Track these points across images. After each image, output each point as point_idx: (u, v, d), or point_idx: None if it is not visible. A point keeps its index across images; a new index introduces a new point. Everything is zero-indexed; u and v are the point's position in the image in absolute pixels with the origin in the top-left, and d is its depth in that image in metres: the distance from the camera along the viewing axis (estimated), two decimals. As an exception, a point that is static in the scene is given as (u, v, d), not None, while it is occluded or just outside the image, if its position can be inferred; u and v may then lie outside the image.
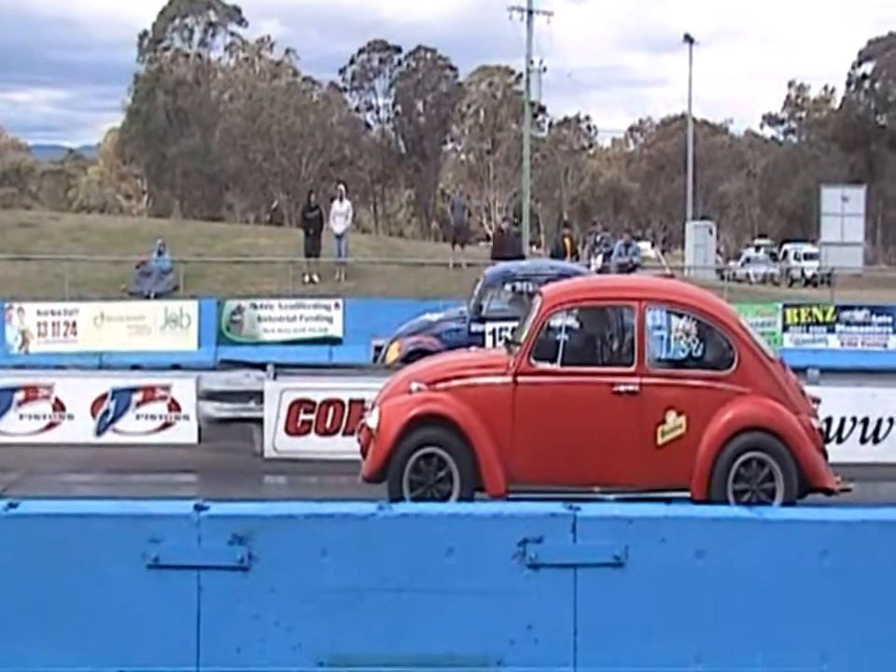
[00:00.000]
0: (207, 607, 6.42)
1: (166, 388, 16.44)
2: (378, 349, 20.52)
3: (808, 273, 53.59)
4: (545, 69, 60.41)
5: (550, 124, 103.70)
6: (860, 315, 27.61)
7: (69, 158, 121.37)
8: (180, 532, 6.43)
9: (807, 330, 27.42)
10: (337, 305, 27.16)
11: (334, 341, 26.32)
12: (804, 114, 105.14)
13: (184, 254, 34.62)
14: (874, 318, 27.51)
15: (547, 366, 12.25)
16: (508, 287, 20.85)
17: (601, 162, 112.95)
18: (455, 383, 12.49)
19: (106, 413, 16.35)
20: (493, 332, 19.77)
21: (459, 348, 19.28)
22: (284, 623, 6.44)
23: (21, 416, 16.33)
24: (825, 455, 12.52)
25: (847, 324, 27.47)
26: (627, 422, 12.06)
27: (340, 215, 34.94)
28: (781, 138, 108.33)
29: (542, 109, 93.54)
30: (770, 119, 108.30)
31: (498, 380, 12.30)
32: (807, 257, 58.82)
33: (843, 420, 15.45)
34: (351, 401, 15.39)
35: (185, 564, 6.40)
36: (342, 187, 37.45)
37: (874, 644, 6.50)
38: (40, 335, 26.09)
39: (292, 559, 6.47)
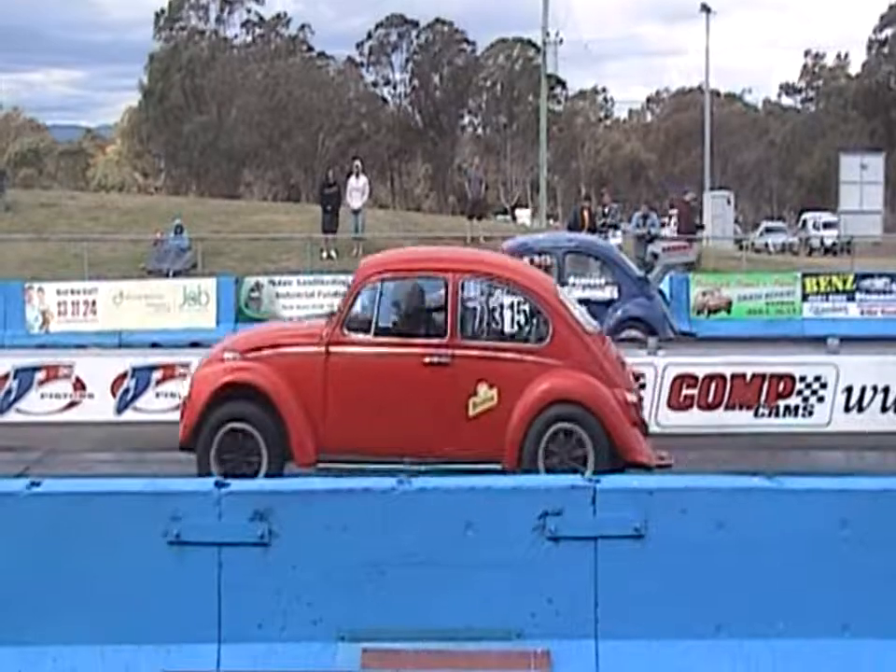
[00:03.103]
0: (228, 583, 6.44)
1: (186, 366, 16.43)
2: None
3: (827, 242, 53.37)
4: (561, 41, 60.11)
5: (566, 97, 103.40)
6: (879, 283, 27.52)
7: (87, 137, 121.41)
8: (201, 509, 6.46)
9: (827, 299, 27.34)
10: (355, 281, 27.12)
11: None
12: (821, 82, 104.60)
13: (202, 232, 34.65)
14: (893, 286, 27.41)
15: (359, 336, 12.12)
16: (526, 259, 20.83)
17: (619, 134, 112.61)
18: (267, 352, 12.32)
19: (127, 391, 16.37)
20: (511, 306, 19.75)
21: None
22: (304, 598, 6.46)
23: (41, 395, 16.36)
24: (643, 429, 12.42)
25: (867, 292, 27.38)
26: (438, 393, 11.94)
27: (356, 190, 34.89)
28: (799, 107, 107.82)
29: (560, 82, 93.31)
30: (788, 89, 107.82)
31: (311, 350, 12.15)
32: (826, 225, 58.54)
33: (863, 389, 15.38)
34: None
35: (206, 540, 6.43)
36: (358, 162, 37.35)
37: (894, 613, 6.50)
38: (60, 315, 26.18)
39: (312, 535, 6.49)
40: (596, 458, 11.88)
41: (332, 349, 12.14)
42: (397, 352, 12.14)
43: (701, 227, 38.28)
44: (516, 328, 12.51)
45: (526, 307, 12.46)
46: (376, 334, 12.16)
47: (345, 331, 12.19)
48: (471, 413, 11.98)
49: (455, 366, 12.01)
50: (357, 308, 12.41)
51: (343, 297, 12.79)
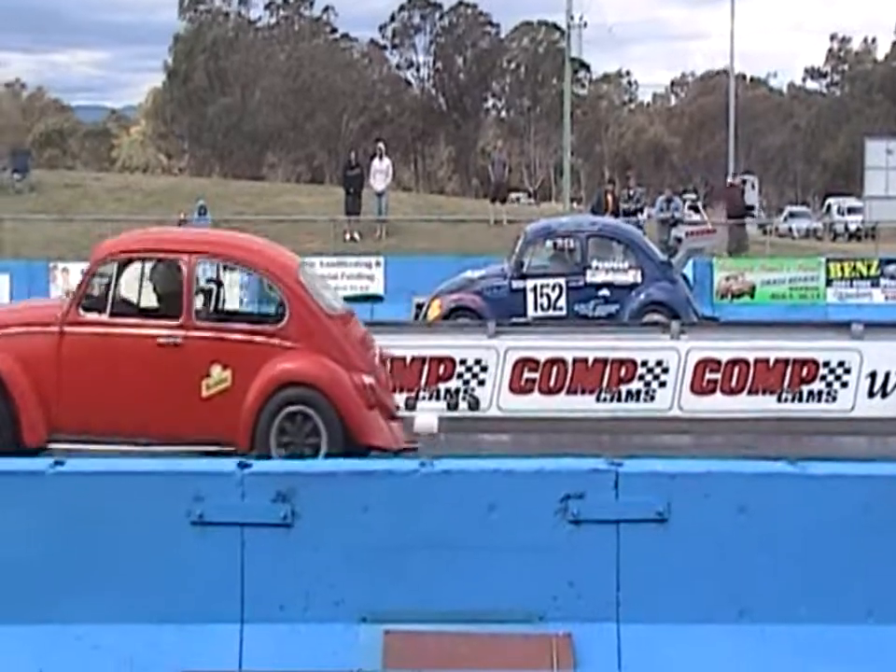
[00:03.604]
0: (251, 564, 6.46)
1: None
2: (419, 307, 20.56)
3: (852, 227, 53.17)
4: (585, 24, 59.93)
5: (590, 80, 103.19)
6: (904, 269, 27.45)
7: (111, 118, 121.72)
8: (224, 489, 6.47)
9: (851, 285, 27.30)
10: (378, 263, 27.23)
11: (375, 298, 26.37)
12: (846, 67, 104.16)
13: (225, 213, 34.71)
14: (918, 272, 27.34)
15: (94, 317, 12.04)
16: (549, 243, 20.85)
17: (643, 117, 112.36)
18: (4, 331, 12.22)
19: (150, 371, 16.39)
20: (534, 289, 19.76)
21: (501, 305, 19.36)
22: (326, 580, 6.47)
23: (65, 376, 16.42)
24: (388, 412, 12.38)
25: (892, 278, 27.33)
26: (171, 375, 11.86)
27: (380, 172, 34.93)
28: (825, 91, 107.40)
29: (584, 66, 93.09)
30: (813, 73, 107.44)
31: (46, 330, 12.08)
32: (851, 211, 58.35)
33: (887, 374, 15.33)
34: (392, 359, 15.41)
35: (229, 521, 6.44)
36: (381, 145, 37.39)
37: (918, 599, 6.48)
38: (84, 295, 26.22)
39: (335, 516, 6.49)
40: (330, 441, 11.80)
41: (67, 329, 12.04)
42: (131, 333, 12.06)
43: (751, 208, 38.18)
44: (252, 308, 12.48)
45: (263, 288, 12.58)
46: (112, 315, 12.09)
47: (81, 312, 12.12)
48: (205, 394, 11.89)
49: (188, 347, 11.93)
50: (93, 289, 12.40)
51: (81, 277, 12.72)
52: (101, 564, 6.45)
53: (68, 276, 26.32)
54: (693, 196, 54.60)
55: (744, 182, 37.61)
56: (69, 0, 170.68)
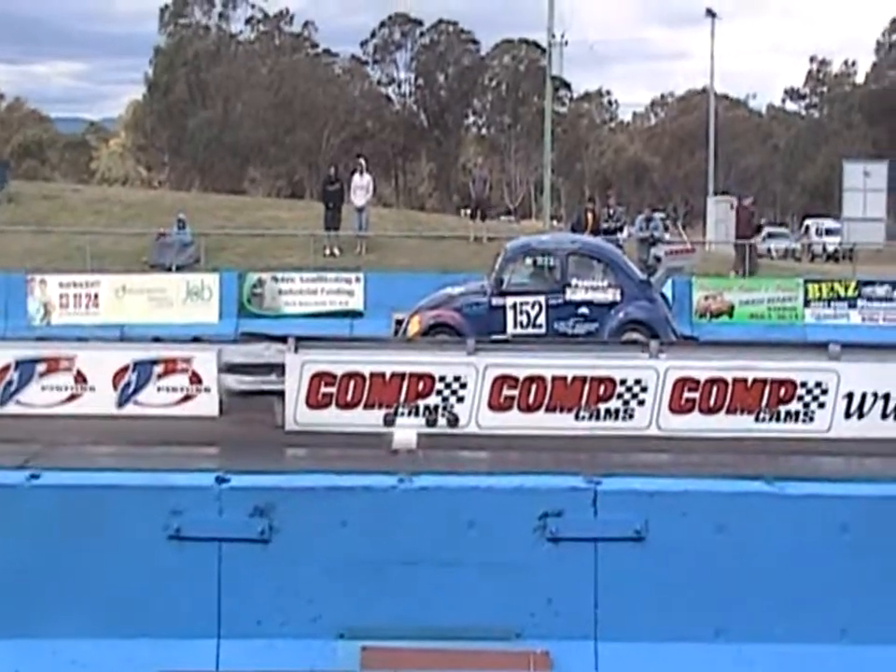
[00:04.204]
0: (228, 579, 6.44)
1: (187, 361, 16.43)
2: (399, 322, 20.53)
3: (830, 249, 53.35)
4: (567, 43, 60.15)
5: (571, 98, 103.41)
6: (881, 291, 27.56)
7: (90, 130, 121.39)
8: (202, 504, 6.46)
9: (829, 306, 27.38)
10: (358, 279, 27.19)
11: (355, 314, 26.36)
12: (825, 88, 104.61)
13: (205, 226, 34.65)
14: (895, 294, 27.44)
15: None
16: (529, 261, 20.85)
17: (623, 137, 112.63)
18: None
19: (128, 384, 16.35)
20: (514, 306, 19.78)
21: (480, 322, 19.37)
22: (304, 596, 6.46)
23: (42, 388, 16.35)
24: None
25: (869, 299, 27.42)
26: None
27: (360, 188, 34.93)
28: (803, 113, 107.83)
29: (565, 84, 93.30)
30: (792, 94, 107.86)
31: None
32: (829, 232, 58.56)
33: (864, 395, 15.37)
34: (372, 374, 15.41)
35: (206, 536, 6.43)
36: (362, 160, 37.40)
37: (893, 619, 6.50)
38: (62, 307, 26.19)
39: (313, 531, 6.49)
40: None
41: None
42: None
43: (760, 229, 38.42)
44: None
45: None
46: None
47: None
48: None
49: None
50: None
51: None
52: (77, 577, 6.43)
53: (46, 288, 26.23)
54: (663, 215, 54.65)
55: (754, 203, 37.71)
56: (49, 11, 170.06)
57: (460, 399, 15.50)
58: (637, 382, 15.38)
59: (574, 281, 19.98)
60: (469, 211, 38.83)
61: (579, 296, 19.88)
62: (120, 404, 16.37)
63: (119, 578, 6.45)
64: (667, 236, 37.82)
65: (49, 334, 22.33)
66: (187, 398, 16.51)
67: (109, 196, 47.12)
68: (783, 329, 26.09)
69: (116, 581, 6.44)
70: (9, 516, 6.46)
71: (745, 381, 15.34)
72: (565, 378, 15.45)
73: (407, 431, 15.05)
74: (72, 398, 16.39)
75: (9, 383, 16.25)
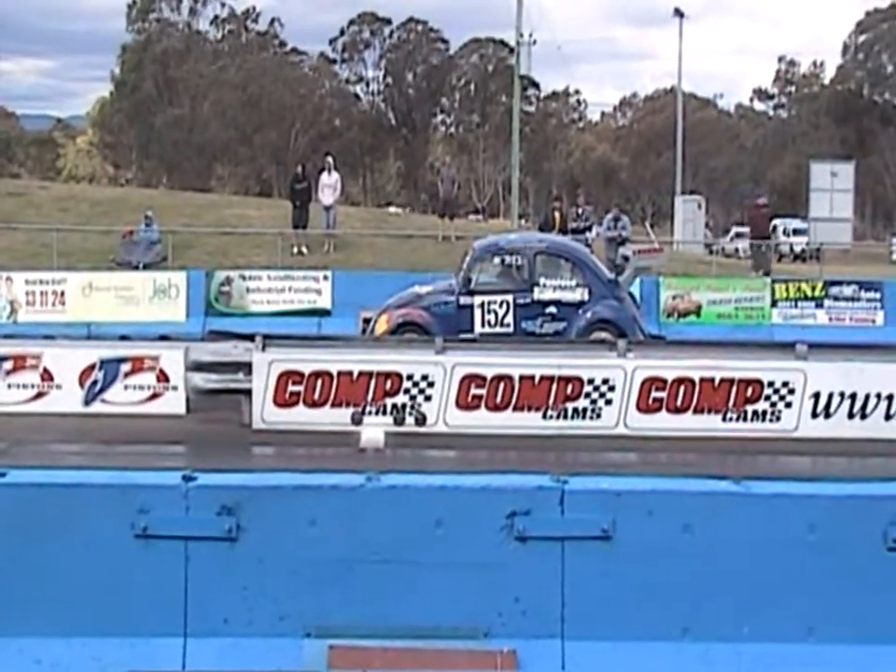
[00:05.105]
0: (195, 577, 6.42)
1: (155, 359, 16.38)
2: (367, 321, 20.51)
3: (797, 249, 53.57)
4: (535, 42, 60.10)
5: (539, 98, 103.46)
6: (848, 291, 27.69)
7: (57, 127, 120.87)
8: (168, 502, 6.43)
9: (796, 306, 27.50)
10: (326, 277, 27.15)
11: (323, 312, 26.32)
12: (793, 89, 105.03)
13: (172, 224, 34.50)
14: (862, 294, 27.59)
15: None
16: (496, 260, 20.83)
17: (591, 136, 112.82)
18: None
19: (95, 383, 16.30)
20: (482, 305, 19.78)
21: (448, 321, 19.37)
22: (271, 594, 6.45)
23: (8, 386, 16.28)
24: None
25: (836, 299, 27.55)
26: None
27: (328, 186, 34.85)
28: (771, 113, 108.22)
29: (534, 83, 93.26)
30: (760, 94, 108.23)
31: None
32: (796, 232, 58.79)
33: (830, 395, 15.44)
34: (339, 373, 15.39)
35: (173, 534, 6.40)
36: (330, 159, 37.30)
37: (859, 618, 6.52)
38: (29, 305, 26.06)
39: (280, 530, 6.47)
40: None
41: None
42: None
43: (773, 230, 38.64)
44: None
45: None
46: None
47: None
48: None
49: None
50: None
51: None
52: (43, 576, 6.40)
53: (12, 286, 26.10)
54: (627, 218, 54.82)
55: (767, 207, 37.81)
56: (15, 7, 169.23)
57: (428, 398, 15.50)
58: (605, 381, 15.41)
59: (542, 280, 19.99)
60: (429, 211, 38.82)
61: (547, 295, 19.89)
62: (87, 402, 16.31)
63: (85, 576, 6.42)
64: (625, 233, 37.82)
65: (16, 332, 22.24)
66: (154, 396, 16.47)
67: (76, 193, 46.87)
68: (750, 329, 26.19)
69: (82, 580, 6.41)
70: (-26, 515, 6.42)
71: (712, 380, 15.39)
72: (533, 377, 15.46)
73: (375, 430, 15.04)
74: (38, 396, 16.33)
75: (-25, 381, 16.18)
